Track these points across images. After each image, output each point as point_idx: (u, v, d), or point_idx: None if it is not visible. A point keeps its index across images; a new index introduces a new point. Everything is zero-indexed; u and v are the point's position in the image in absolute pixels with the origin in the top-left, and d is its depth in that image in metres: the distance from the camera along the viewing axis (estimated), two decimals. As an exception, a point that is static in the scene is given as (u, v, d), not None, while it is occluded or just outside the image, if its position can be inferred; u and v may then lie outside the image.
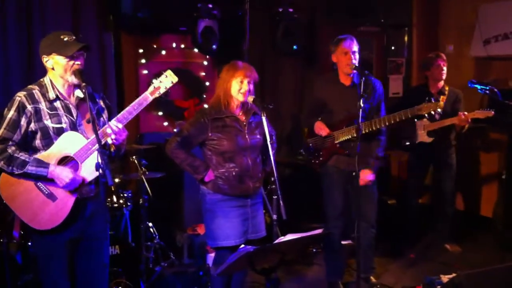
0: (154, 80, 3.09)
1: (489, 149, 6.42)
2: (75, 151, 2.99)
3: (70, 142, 3.00)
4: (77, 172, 3.00)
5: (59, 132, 3.01)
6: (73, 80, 3.01)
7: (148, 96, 3.07)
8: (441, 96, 5.34)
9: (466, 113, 5.03)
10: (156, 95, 3.08)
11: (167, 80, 3.09)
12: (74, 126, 3.05)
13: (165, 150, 3.79)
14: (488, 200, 6.29)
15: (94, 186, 3.10)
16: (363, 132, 4.17)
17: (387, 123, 4.23)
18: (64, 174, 2.95)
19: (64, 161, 3.01)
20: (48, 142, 3.01)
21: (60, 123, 3.01)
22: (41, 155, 2.99)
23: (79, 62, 3.00)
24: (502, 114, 5.46)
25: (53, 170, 2.95)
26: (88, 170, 3.00)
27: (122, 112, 3.05)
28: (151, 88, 3.08)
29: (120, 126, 3.00)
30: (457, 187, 5.80)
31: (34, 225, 3.00)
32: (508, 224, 5.56)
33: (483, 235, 5.99)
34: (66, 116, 3.04)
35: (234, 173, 3.70)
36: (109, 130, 2.98)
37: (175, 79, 3.10)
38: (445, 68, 5.38)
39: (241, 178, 3.72)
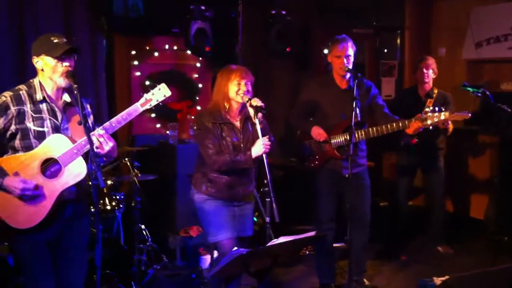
0: (149, 90, 3.10)
1: (479, 151, 6.44)
2: (60, 154, 2.98)
3: (56, 145, 2.99)
4: (58, 176, 2.98)
5: (40, 135, 3.00)
6: (61, 83, 3.02)
7: (138, 107, 3.08)
8: (429, 99, 5.38)
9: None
10: (147, 107, 3.09)
11: (159, 93, 3.09)
12: (57, 130, 3.04)
13: (215, 168, 3.66)
14: (479, 203, 6.32)
15: (74, 188, 3.07)
16: (359, 139, 4.23)
17: (385, 132, 4.23)
18: (13, 184, 2.91)
19: (48, 163, 2.99)
20: (27, 143, 3.00)
21: (42, 127, 3.01)
22: (27, 155, 2.97)
23: (67, 64, 3.00)
24: (494, 116, 5.49)
25: (5, 181, 2.91)
26: (71, 174, 2.99)
27: (110, 121, 3.04)
28: (142, 100, 3.09)
29: (102, 139, 2.98)
30: (448, 189, 5.81)
31: (11, 222, 2.97)
32: (499, 226, 5.59)
33: (475, 238, 6.02)
34: (50, 119, 3.04)
35: (224, 180, 3.70)
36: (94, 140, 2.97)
37: (168, 93, 3.10)
38: (428, 72, 5.40)
39: (231, 185, 3.72)
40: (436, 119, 4.17)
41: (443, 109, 4.23)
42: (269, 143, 3.53)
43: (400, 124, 4.22)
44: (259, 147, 3.51)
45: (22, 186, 2.90)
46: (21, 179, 2.92)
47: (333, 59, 4.37)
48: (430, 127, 4.29)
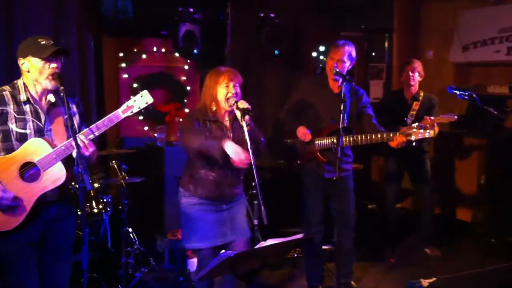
0: (131, 97, 3.06)
1: (467, 154, 6.47)
2: (39, 159, 2.95)
3: (35, 149, 2.96)
4: (37, 180, 2.96)
5: (22, 137, 2.98)
6: (47, 85, 3.00)
7: (119, 114, 3.05)
8: (415, 102, 5.40)
9: (432, 117, 4.97)
10: (129, 113, 3.05)
11: (141, 100, 3.05)
12: (40, 132, 3.02)
13: (189, 149, 3.59)
14: (467, 205, 6.35)
15: (57, 190, 3.05)
16: (345, 144, 4.22)
17: (369, 141, 4.25)
18: None
19: (26, 167, 2.96)
20: (8, 145, 2.98)
21: (25, 128, 2.99)
22: (6, 157, 2.95)
23: (55, 65, 2.98)
24: (480, 119, 5.52)
25: None
26: (50, 179, 2.97)
27: (91, 126, 3.02)
28: (124, 106, 3.05)
29: (86, 141, 2.95)
30: (436, 192, 5.82)
31: None
32: (487, 228, 5.61)
33: (463, 240, 6.05)
34: (33, 121, 3.01)
35: (211, 178, 3.66)
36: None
37: (150, 100, 3.05)
38: (414, 74, 5.41)
39: (218, 184, 3.68)
40: (420, 136, 4.18)
41: (429, 128, 4.23)
42: (247, 161, 3.42)
43: (385, 136, 4.24)
44: (236, 154, 3.40)
45: (0, 195, 2.88)
46: (1, 188, 2.90)
47: (327, 61, 4.40)
48: (414, 143, 4.31)
